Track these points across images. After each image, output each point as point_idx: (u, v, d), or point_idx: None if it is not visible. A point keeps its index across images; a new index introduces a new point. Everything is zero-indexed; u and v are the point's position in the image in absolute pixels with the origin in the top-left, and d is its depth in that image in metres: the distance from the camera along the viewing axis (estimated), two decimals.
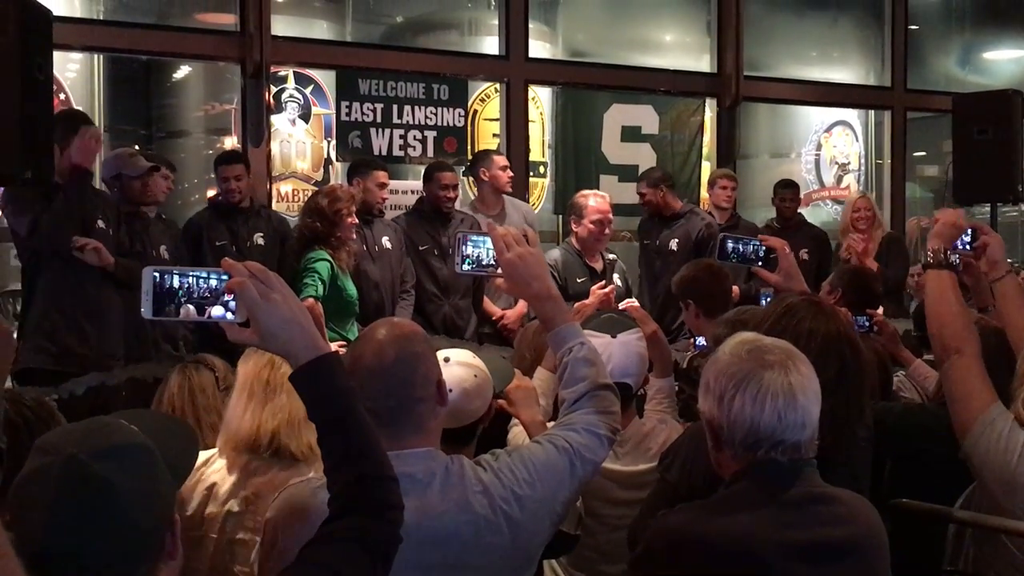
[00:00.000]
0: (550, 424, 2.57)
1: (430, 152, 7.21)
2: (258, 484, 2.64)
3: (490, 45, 7.90)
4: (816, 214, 8.85)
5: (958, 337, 2.69)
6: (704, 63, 8.53)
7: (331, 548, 1.61)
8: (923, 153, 10.41)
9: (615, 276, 5.58)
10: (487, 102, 7.99)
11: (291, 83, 7.42)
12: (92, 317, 4.71)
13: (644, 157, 8.02)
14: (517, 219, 6.23)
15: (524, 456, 2.14)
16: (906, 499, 2.87)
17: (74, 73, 7.27)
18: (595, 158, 7.98)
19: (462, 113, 7.43)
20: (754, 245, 3.12)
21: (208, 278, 1.66)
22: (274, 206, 7.02)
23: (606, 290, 4.97)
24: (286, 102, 7.42)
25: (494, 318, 6.04)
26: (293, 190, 7.53)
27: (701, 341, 4.11)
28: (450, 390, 2.19)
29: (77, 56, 7.13)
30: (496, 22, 7.75)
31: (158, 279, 1.65)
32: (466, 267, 2.32)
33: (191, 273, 1.67)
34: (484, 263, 2.31)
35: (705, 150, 8.43)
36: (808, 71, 9.31)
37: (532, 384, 2.87)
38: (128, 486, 1.41)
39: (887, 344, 4.03)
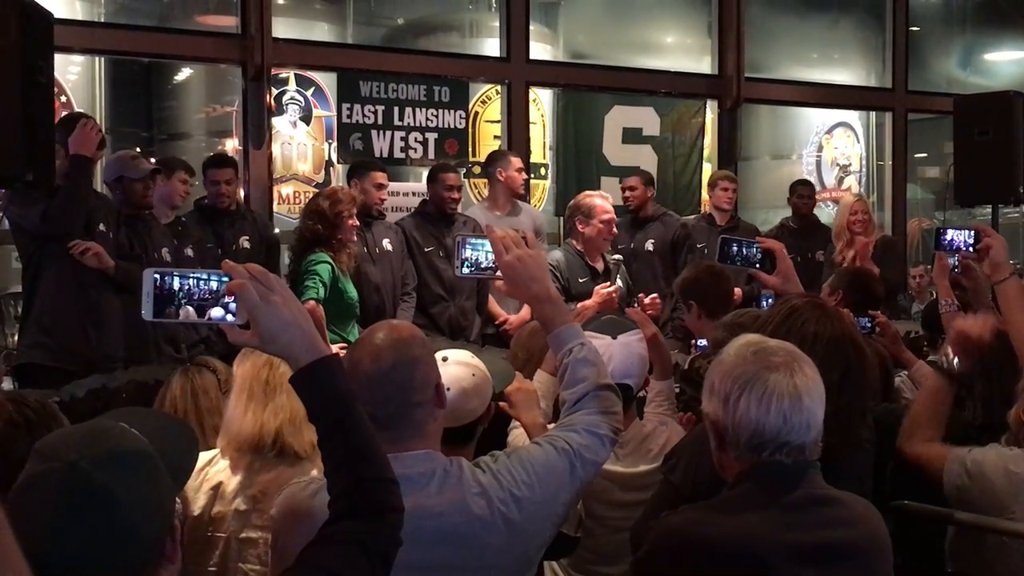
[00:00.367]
0: (550, 426, 2.56)
1: (431, 154, 7.21)
2: (264, 482, 2.64)
3: (491, 47, 7.91)
4: (817, 215, 8.84)
5: None
6: (705, 65, 8.54)
7: (331, 550, 1.61)
8: (924, 154, 10.42)
9: (617, 277, 5.58)
10: (488, 104, 7.99)
11: (292, 85, 7.43)
12: (92, 319, 4.72)
13: (645, 159, 8.03)
14: (527, 222, 6.27)
15: (523, 458, 2.14)
16: (907, 501, 2.87)
17: (75, 75, 7.29)
18: (596, 160, 7.98)
19: (463, 115, 7.43)
20: (756, 248, 3.13)
21: (208, 280, 1.66)
22: (275, 208, 7.03)
23: (610, 290, 4.98)
24: (287, 104, 7.42)
25: (497, 321, 6.05)
26: (294, 192, 7.54)
27: (702, 342, 4.11)
28: (448, 389, 2.19)
29: (78, 59, 7.14)
30: (497, 24, 7.75)
31: (159, 281, 1.65)
32: (466, 270, 2.33)
33: (192, 275, 1.66)
34: (484, 266, 2.32)
35: (706, 152, 8.43)
36: (809, 73, 9.32)
37: (533, 386, 2.86)
38: (130, 495, 1.40)
39: (889, 345, 4.03)
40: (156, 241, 5.16)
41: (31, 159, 3.97)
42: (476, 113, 7.91)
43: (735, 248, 3.10)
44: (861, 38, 9.54)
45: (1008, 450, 2.77)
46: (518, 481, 2.08)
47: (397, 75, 7.16)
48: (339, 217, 5.14)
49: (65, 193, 4.52)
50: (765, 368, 1.93)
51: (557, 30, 8.65)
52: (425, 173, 7.12)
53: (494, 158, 6.57)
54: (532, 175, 7.81)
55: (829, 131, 9.42)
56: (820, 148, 9.39)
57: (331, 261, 5.10)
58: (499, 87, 7.81)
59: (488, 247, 2.27)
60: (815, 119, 9.42)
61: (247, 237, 5.72)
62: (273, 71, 6.80)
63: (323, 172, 7.62)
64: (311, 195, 6.48)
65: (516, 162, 6.39)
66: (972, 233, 3.19)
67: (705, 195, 7.76)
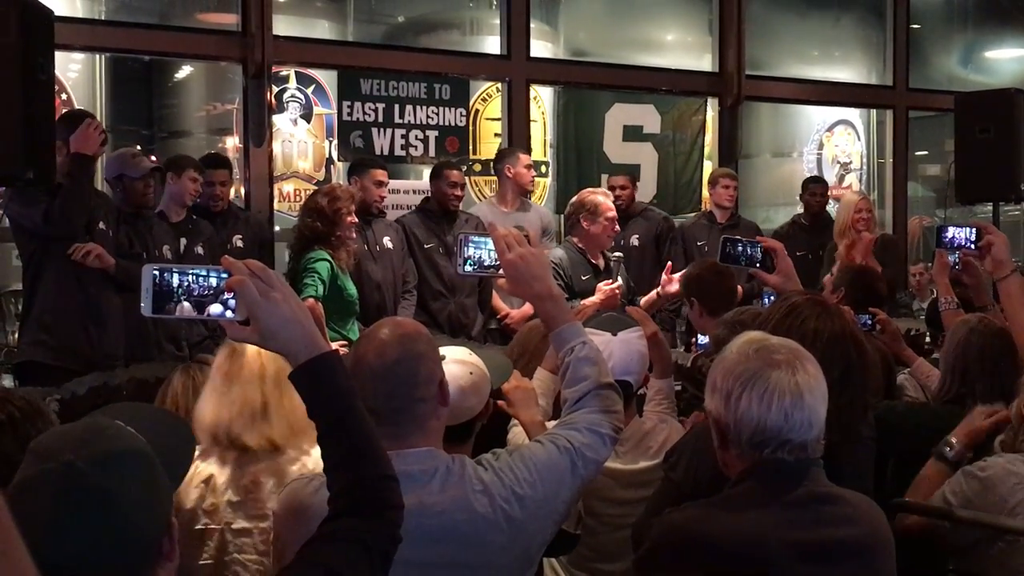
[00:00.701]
0: (550, 424, 2.56)
1: (431, 152, 7.21)
2: (255, 472, 2.62)
3: (492, 45, 7.90)
4: (830, 213, 8.84)
5: None
6: (706, 62, 8.53)
7: (330, 548, 1.61)
8: (925, 152, 10.41)
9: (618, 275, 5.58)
10: (489, 102, 7.99)
11: (293, 83, 7.42)
12: (93, 318, 4.72)
13: (646, 156, 8.02)
14: (535, 220, 6.28)
15: (525, 456, 2.14)
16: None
17: (76, 73, 7.28)
18: (597, 157, 7.98)
19: (464, 113, 7.42)
20: (757, 247, 3.13)
21: (208, 276, 1.65)
22: (276, 206, 7.03)
23: (613, 287, 4.98)
24: (288, 102, 7.41)
25: (499, 315, 6.06)
26: (295, 190, 7.53)
27: (703, 340, 4.12)
28: None
29: (79, 56, 7.13)
30: (497, 22, 7.74)
31: (158, 277, 1.64)
32: (468, 268, 2.33)
33: (191, 271, 1.66)
34: (486, 264, 2.32)
35: (707, 149, 8.42)
36: (810, 70, 9.31)
37: (531, 385, 2.87)
38: (128, 496, 1.39)
39: (889, 343, 4.03)
40: (157, 239, 5.15)
41: (32, 157, 3.97)
42: (477, 111, 7.90)
43: (736, 248, 3.11)
44: (862, 35, 9.54)
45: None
46: (520, 479, 2.09)
47: (398, 73, 7.15)
48: (338, 214, 5.14)
49: (67, 192, 4.51)
50: (767, 365, 1.93)
51: (558, 28, 8.64)
52: (425, 171, 7.13)
53: (503, 155, 6.60)
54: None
55: (830, 129, 9.41)
56: (821, 146, 9.38)
57: (330, 259, 5.10)
58: (500, 85, 7.81)
59: (490, 245, 2.27)
60: (816, 117, 9.41)
61: (240, 236, 5.73)
62: (274, 69, 6.79)
63: (324, 170, 7.61)
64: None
65: (525, 159, 6.43)
66: (974, 230, 3.19)
67: (706, 193, 7.75)
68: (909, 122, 9.17)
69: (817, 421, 1.95)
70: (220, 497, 2.62)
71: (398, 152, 7.13)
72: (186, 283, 1.65)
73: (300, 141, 7.58)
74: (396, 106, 7.11)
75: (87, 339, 4.70)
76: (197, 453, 2.64)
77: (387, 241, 5.75)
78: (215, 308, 1.65)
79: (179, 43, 6.89)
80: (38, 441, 1.46)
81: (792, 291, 2.79)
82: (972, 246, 3.20)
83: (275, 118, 7.08)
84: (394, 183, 6.33)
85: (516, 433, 2.87)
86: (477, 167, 7.75)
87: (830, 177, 9.30)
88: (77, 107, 6.74)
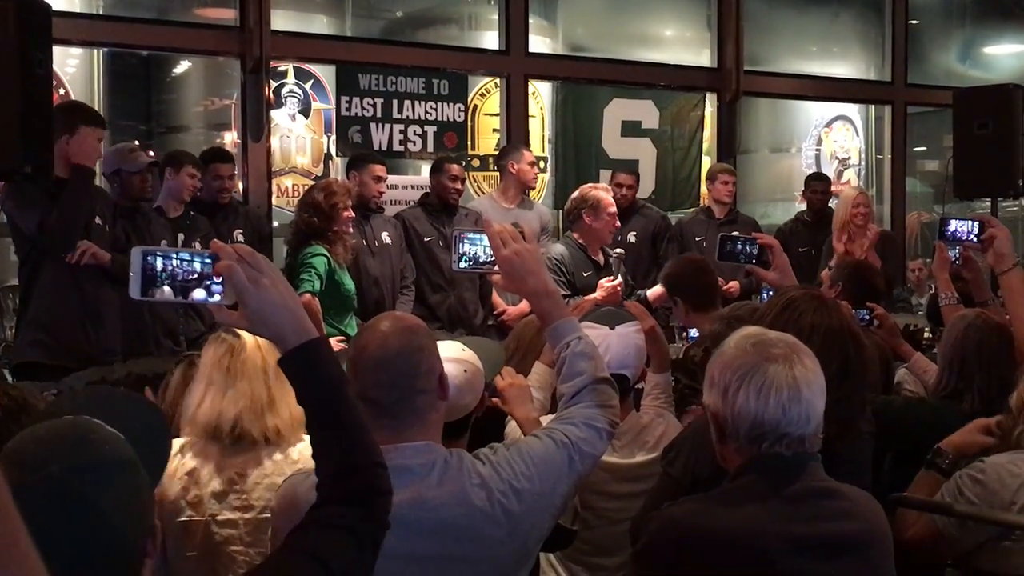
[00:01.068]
0: (548, 418, 2.57)
1: (430, 147, 7.20)
2: (239, 464, 2.62)
3: (490, 40, 7.89)
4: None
5: None
6: (704, 58, 8.52)
7: (318, 534, 1.60)
8: (923, 148, 10.41)
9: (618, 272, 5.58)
10: (487, 97, 7.98)
11: (291, 78, 7.40)
12: (90, 314, 4.69)
13: (644, 152, 8.02)
14: (534, 217, 6.28)
15: (523, 450, 2.15)
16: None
17: (74, 68, 7.26)
18: (595, 153, 7.97)
19: (462, 108, 7.41)
20: (754, 244, 3.13)
21: (193, 260, 1.64)
22: (274, 201, 7.03)
23: (615, 283, 4.98)
24: (286, 97, 7.40)
25: (496, 312, 6.07)
26: (293, 185, 7.52)
27: (695, 332, 4.12)
28: None
29: (77, 51, 7.11)
30: (496, 17, 7.73)
31: (146, 260, 1.64)
32: (463, 264, 2.33)
33: (176, 255, 1.65)
34: (481, 260, 2.32)
35: (705, 145, 8.42)
36: (808, 66, 9.30)
37: (525, 382, 2.87)
38: (113, 506, 1.37)
39: (887, 338, 4.03)
40: (155, 234, 5.14)
41: (30, 152, 3.97)
42: (475, 106, 7.89)
43: (734, 245, 3.11)
44: (860, 31, 9.53)
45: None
46: (518, 473, 2.09)
47: (396, 68, 7.14)
48: (334, 209, 5.14)
49: (65, 207, 4.46)
50: (764, 360, 1.93)
51: (556, 23, 8.62)
52: (424, 166, 7.12)
53: (507, 151, 6.61)
54: None
55: (828, 124, 9.40)
56: (819, 141, 9.37)
57: (327, 254, 5.10)
58: (498, 80, 7.80)
59: (485, 241, 2.27)
60: (814, 112, 9.40)
61: (240, 230, 5.73)
62: (272, 64, 6.78)
63: (322, 165, 7.59)
64: None
65: (528, 155, 6.45)
66: (976, 223, 3.19)
67: (704, 188, 7.75)
68: (908, 118, 9.17)
69: (815, 415, 1.95)
70: (204, 489, 2.61)
71: (396, 147, 7.13)
72: (170, 267, 1.64)
73: (298, 136, 7.57)
74: (394, 101, 7.10)
75: (85, 338, 4.67)
76: (179, 445, 2.64)
77: (385, 236, 5.75)
78: (198, 293, 1.64)
79: (177, 38, 6.88)
80: (18, 448, 1.41)
81: (789, 286, 2.80)
82: (975, 239, 3.20)
83: (273, 113, 7.07)
84: (392, 178, 6.33)
85: (513, 428, 2.88)
86: (475, 163, 7.75)
87: (828, 173, 9.30)
88: (73, 99, 6.73)
